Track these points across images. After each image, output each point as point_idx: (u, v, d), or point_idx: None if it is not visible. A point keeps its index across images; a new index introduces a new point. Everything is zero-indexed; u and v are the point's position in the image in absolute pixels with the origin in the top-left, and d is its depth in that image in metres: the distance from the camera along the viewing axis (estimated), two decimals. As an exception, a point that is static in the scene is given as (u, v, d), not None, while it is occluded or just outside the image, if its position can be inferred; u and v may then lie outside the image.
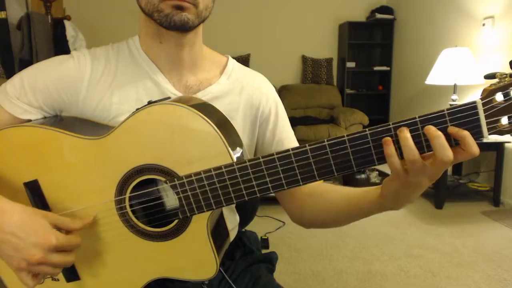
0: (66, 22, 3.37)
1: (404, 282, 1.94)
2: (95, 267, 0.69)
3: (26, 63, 2.94)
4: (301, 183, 0.56)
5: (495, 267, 2.07)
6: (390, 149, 0.51)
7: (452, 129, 0.49)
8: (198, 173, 0.59)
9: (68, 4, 4.08)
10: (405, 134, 0.50)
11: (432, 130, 0.49)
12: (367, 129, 0.52)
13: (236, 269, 0.85)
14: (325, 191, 0.73)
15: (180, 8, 0.64)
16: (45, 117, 0.73)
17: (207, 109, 0.63)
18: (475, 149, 0.49)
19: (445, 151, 0.49)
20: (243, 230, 0.97)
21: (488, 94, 0.49)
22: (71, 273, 0.70)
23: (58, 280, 0.70)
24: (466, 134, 0.49)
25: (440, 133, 0.49)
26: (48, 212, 0.63)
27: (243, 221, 0.98)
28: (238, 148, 0.63)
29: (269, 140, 0.80)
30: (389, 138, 0.51)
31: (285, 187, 0.57)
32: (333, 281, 1.95)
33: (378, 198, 0.61)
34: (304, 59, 4.99)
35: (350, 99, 5.07)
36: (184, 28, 0.66)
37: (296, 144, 0.79)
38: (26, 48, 3.01)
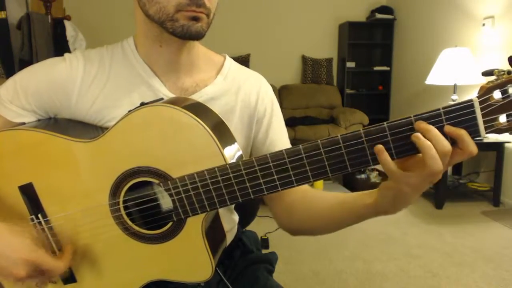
0: (66, 22, 3.37)
1: (404, 282, 1.93)
2: (91, 269, 0.69)
3: (26, 63, 2.94)
4: (295, 184, 0.55)
5: (495, 267, 2.06)
6: (384, 157, 0.50)
7: (448, 128, 0.49)
8: (191, 175, 0.59)
9: (68, 4, 4.08)
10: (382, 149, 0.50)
11: (424, 125, 0.49)
12: (361, 129, 0.51)
13: (235, 269, 0.85)
14: (317, 197, 0.72)
15: (195, 19, 0.64)
16: (38, 120, 0.72)
17: (200, 110, 0.62)
18: (472, 148, 0.48)
19: (435, 159, 0.48)
20: (243, 230, 0.97)
21: (485, 91, 0.48)
22: (68, 276, 0.70)
23: (55, 282, 0.70)
24: (463, 133, 0.48)
25: (432, 126, 0.48)
26: (25, 230, 0.63)
27: (244, 221, 0.98)
28: (232, 149, 0.62)
29: (261, 140, 0.79)
30: (380, 147, 0.50)
31: (279, 188, 0.56)
32: (333, 281, 1.95)
33: (374, 201, 0.59)
34: (304, 59, 4.98)
35: (350, 99, 5.06)
36: (198, 38, 0.66)
37: (289, 146, 0.78)
38: (26, 48, 3.01)
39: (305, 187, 0.74)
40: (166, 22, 0.64)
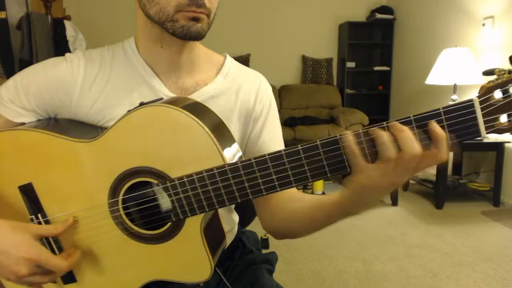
0: (66, 22, 3.38)
1: (404, 282, 1.93)
2: (91, 269, 0.69)
3: (26, 63, 2.95)
4: (293, 185, 0.55)
5: (495, 267, 2.06)
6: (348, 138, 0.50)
7: (433, 126, 0.48)
8: (190, 175, 0.58)
9: (68, 4, 4.08)
10: (350, 140, 0.50)
11: (397, 126, 0.49)
12: (360, 129, 0.51)
13: (235, 269, 0.85)
14: (295, 199, 0.72)
15: (196, 20, 0.64)
16: (38, 120, 0.72)
17: (199, 110, 0.62)
18: (444, 154, 0.48)
19: (413, 144, 0.48)
20: (243, 230, 0.97)
21: (486, 91, 0.47)
22: (68, 276, 0.70)
23: (55, 282, 0.70)
24: (444, 136, 0.48)
25: (405, 128, 0.48)
26: (28, 224, 0.63)
27: (244, 221, 0.98)
28: (232, 149, 0.62)
29: (254, 140, 0.78)
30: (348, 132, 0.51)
31: (278, 189, 0.56)
32: (333, 281, 1.95)
33: (338, 199, 0.59)
34: (304, 59, 4.98)
35: (350, 99, 5.07)
36: (198, 39, 0.66)
37: (282, 147, 0.78)
38: (26, 48, 3.02)
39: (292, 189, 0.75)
40: (166, 22, 0.64)
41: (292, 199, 0.72)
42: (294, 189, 0.75)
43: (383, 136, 0.49)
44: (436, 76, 3.19)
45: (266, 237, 2.35)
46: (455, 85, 3.09)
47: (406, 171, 0.50)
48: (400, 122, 0.49)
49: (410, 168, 0.49)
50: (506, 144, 2.93)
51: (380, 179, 0.51)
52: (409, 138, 0.48)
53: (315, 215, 0.66)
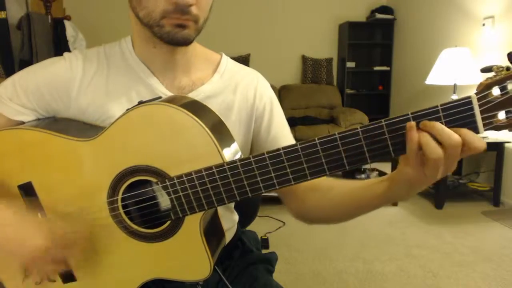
0: (66, 22, 3.38)
1: (404, 282, 1.93)
2: (90, 268, 0.69)
3: (26, 63, 2.95)
4: (292, 183, 0.55)
5: (495, 267, 2.06)
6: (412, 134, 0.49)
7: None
8: (189, 174, 0.59)
9: (68, 4, 4.08)
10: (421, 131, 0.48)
11: (427, 123, 0.48)
12: (358, 127, 0.51)
13: (234, 269, 0.85)
14: (330, 188, 0.71)
15: (182, 26, 0.64)
16: (38, 119, 0.73)
17: (198, 109, 0.62)
18: (478, 144, 0.47)
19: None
20: (243, 229, 0.97)
21: (484, 88, 0.47)
22: (67, 275, 0.70)
23: (55, 281, 0.70)
24: (464, 132, 0.47)
25: (435, 122, 0.47)
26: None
27: (244, 221, 0.98)
28: (230, 148, 0.62)
29: (263, 137, 0.79)
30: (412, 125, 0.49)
31: (277, 187, 0.56)
32: (333, 281, 1.95)
33: (385, 191, 0.59)
34: (304, 59, 4.98)
35: (350, 99, 5.06)
36: (185, 44, 0.67)
37: (292, 140, 0.78)
38: (26, 48, 3.02)
39: None
40: (154, 27, 0.65)
41: (325, 187, 0.71)
42: None
43: (426, 136, 0.48)
44: (436, 76, 3.19)
45: (266, 237, 2.35)
46: (455, 85, 3.09)
47: (453, 160, 0.49)
48: (397, 120, 0.49)
49: (456, 157, 0.49)
50: (506, 144, 2.93)
51: (432, 171, 0.50)
52: (444, 130, 0.47)
53: (353, 205, 0.66)
